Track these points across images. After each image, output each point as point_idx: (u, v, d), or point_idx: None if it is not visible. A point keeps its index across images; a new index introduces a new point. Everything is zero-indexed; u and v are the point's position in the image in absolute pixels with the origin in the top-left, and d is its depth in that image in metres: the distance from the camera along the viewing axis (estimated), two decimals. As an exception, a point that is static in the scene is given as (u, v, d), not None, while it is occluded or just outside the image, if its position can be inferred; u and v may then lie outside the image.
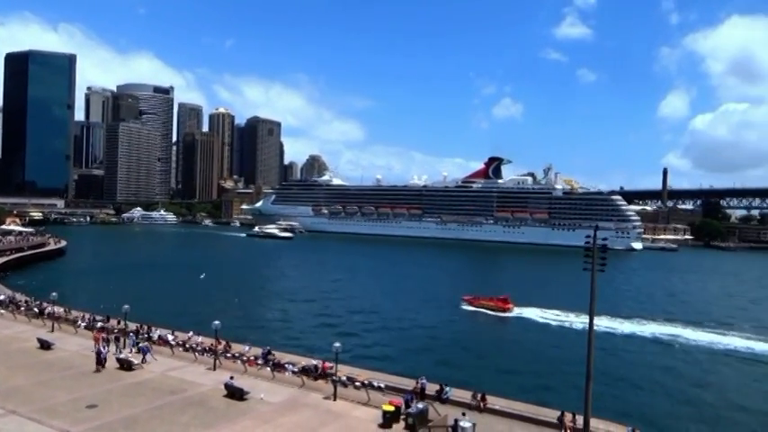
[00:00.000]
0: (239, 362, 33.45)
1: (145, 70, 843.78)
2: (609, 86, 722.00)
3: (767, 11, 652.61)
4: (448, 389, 29.13)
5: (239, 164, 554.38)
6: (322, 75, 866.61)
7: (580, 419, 25.01)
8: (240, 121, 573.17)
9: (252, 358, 33.79)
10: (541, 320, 63.99)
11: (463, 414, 25.39)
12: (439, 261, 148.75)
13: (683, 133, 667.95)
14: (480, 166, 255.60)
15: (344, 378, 29.94)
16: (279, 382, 30.93)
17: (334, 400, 28.12)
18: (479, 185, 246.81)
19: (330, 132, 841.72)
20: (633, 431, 24.95)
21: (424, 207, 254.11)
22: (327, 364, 31.58)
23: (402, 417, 25.11)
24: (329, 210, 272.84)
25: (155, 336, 38.51)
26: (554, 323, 62.53)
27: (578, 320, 60.28)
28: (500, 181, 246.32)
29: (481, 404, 27.79)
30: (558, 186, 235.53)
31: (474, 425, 24.07)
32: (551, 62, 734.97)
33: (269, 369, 32.22)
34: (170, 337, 37.63)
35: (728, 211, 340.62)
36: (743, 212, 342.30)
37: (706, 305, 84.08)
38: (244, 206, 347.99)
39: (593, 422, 24.74)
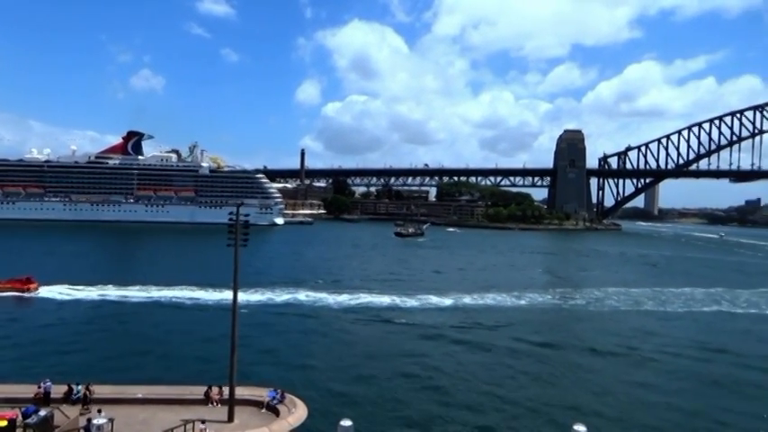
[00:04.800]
0: None
1: None
2: (252, 69, 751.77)
3: (381, 20, 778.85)
4: (79, 387, 25.90)
5: None
6: None
7: (227, 390, 25.62)
8: None
9: None
10: (67, 297, 61.56)
11: (99, 411, 23.04)
12: (57, 247, 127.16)
13: (316, 118, 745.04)
14: (118, 140, 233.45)
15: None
16: None
17: None
18: (117, 162, 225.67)
19: None
20: (275, 390, 26.80)
21: (46, 185, 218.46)
22: None
23: (19, 430, 21.26)
24: None
25: None
26: (100, 298, 61.72)
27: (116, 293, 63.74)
28: (141, 157, 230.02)
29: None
30: (205, 164, 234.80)
31: (111, 420, 22.13)
32: (194, 37, 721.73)
33: None
34: None
35: (353, 187, 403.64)
36: (364, 189, 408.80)
37: (330, 270, 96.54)
38: None
39: (239, 390, 25.66)
